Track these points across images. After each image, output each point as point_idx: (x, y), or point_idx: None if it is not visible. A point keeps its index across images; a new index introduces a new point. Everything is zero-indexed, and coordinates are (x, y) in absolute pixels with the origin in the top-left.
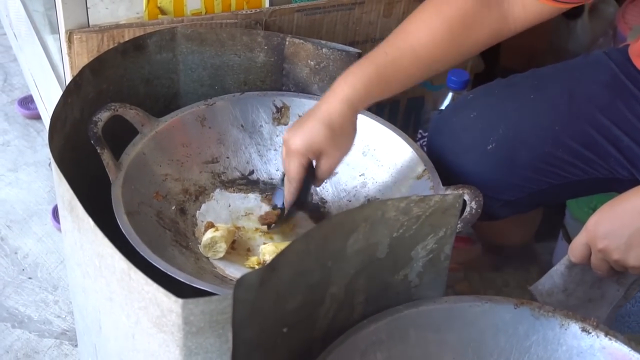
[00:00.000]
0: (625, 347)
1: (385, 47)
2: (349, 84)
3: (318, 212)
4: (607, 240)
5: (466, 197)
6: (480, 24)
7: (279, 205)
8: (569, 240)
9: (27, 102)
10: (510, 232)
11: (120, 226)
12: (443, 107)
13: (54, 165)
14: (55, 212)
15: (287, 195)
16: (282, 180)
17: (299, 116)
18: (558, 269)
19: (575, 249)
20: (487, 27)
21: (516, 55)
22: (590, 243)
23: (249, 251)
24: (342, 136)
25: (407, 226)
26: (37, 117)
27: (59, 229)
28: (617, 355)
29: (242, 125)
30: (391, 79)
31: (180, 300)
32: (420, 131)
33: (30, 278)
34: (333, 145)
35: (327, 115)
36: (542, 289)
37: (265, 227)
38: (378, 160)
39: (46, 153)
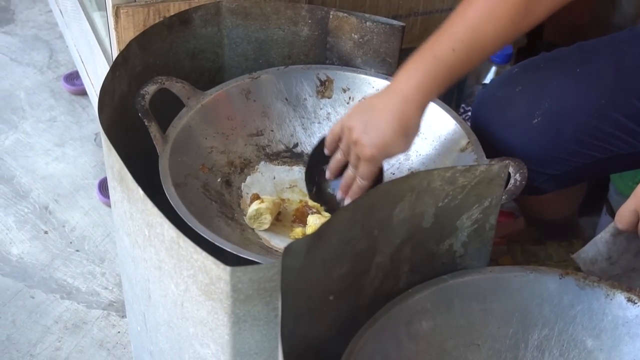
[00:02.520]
0: None
1: (451, 42)
2: (421, 90)
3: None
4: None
5: (511, 169)
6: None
7: (336, 195)
8: (612, 214)
9: (72, 78)
10: (553, 207)
11: (168, 197)
12: (486, 81)
13: (103, 136)
14: (101, 186)
15: (356, 192)
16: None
17: (343, 90)
18: (603, 237)
19: (623, 215)
20: (544, 3)
21: (560, 29)
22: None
23: (294, 222)
24: (413, 138)
25: (452, 196)
26: (83, 93)
27: (105, 203)
28: None
29: (286, 99)
30: (457, 73)
31: (228, 268)
32: (463, 105)
33: (77, 251)
34: (406, 149)
35: (402, 124)
36: (586, 257)
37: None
38: (422, 132)
39: (92, 128)
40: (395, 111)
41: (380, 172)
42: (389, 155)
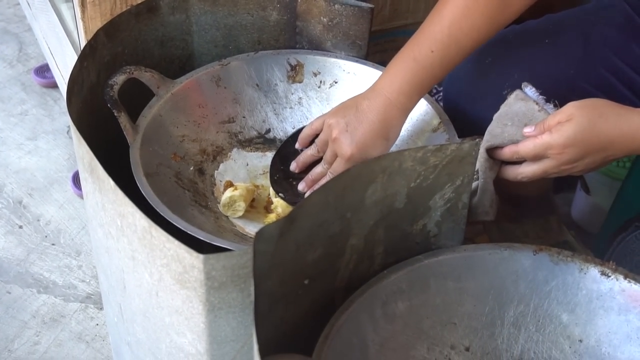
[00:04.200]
0: None
1: (429, 44)
2: (403, 93)
3: None
4: (567, 156)
5: None
6: None
7: (300, 188)
8: (587, 190)
9: (43, 70)
10: (527, 183)
11: (140, 187)
12: None
13: (72, 127)
14: (75, 179)
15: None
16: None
17: (314, 74)
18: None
19: (537, 142)
20: None
21: (531, 6)
22: (552, 151)
23: (267, 209)
24: (393, 142)
25: (424, 176)
26: (54, 86)
27: (80, 196)
28: (636, 297)
29: (257, 85)
30: (439, 75)
31: (201, 256)
32: (435, 86)
33: (53, 244)
34: (386, 152)
35: (384, 126)
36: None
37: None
38: None
39: (64, 121)
40: (378, 113)
41: None
42: (367, 156)
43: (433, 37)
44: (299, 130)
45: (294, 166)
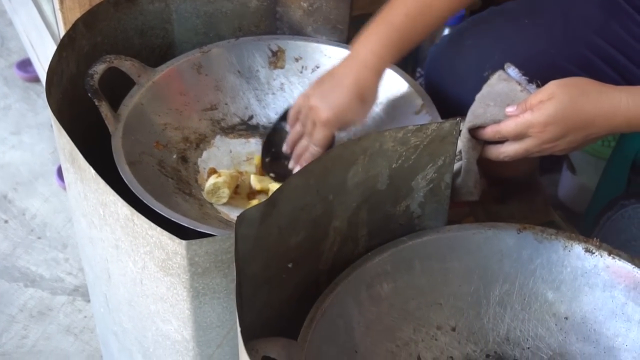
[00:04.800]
0: (629, 264)
1: (404, 7)
2: (376, 54)
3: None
4: (548, 134)
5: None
6: None
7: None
8: (573, 170)
9: (25, 65)
10: (513, 164)
11: (123, 176)
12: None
13: (53, 118)
14: (60, 172)
15: (307, 160)
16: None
17: (295, 59)
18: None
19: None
20: None
21: None
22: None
23: (249, 196)
24: (370, 105)
25: (405, 156)
26: (36, 80)
27: (65, 189)
28: (620, 273)
29: (238, 71)
30: (413, 39)
31: (184, 242)
32: (419, 69)
33: (39, 238)
34: (362, 116)
35: (358, 88)
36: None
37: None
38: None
39: (47, 115)
40: (351, 76)
41: (333, 142)
42: (345, 121)
43: (408, 1)
44: (284, 114)
45: (285, 147)
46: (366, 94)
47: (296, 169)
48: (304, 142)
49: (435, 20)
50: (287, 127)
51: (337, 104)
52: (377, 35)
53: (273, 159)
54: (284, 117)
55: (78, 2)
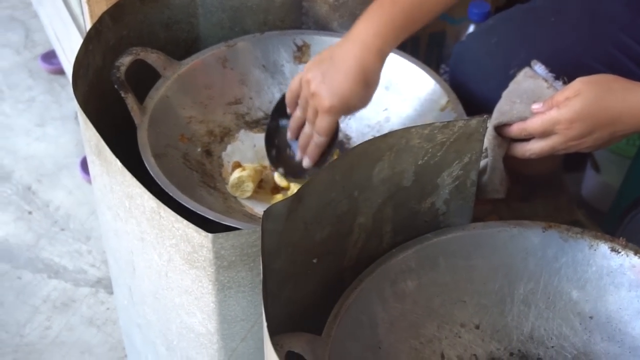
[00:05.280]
0: None
1: None
2: (380, 37)
3: (343, 148)
4: (575, 131)
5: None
6: None
7: (297, 157)
8: (597, 169)
9: (49, 57)
10: (537, 162)
11: (148, 168)
12: (464, 39)
13: (79, 111)
14: (83, 165)
15: (313, 150)
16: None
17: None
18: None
19: (545, 117)
20: None
21: None
22: (560, 126)
23: (273, 191)
24: (373, 89)
25: (431, 153)
26: (61, 72)
27: (88, 181)
28: None
29: (263, 66)
30: (417, 19)
31: (210, 235)
32: (443, 66)
33: (63, 230)
34: (366, 101)
35: (361, 71)
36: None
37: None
38: (401, 94)
39: (72, 107)
40: (354, 59)
41: (336, 129)
42: (349, 106)
43: None
44: (283, 99)
45: (289, 135)
46: (370, 78)
47: (305, 161)
48: (307, 130)
49: (441, 4)
50: (288, 111)
51: (340, 90)
52: (380, 16)
53: (278, 152)
54: (278, 106)
55: None
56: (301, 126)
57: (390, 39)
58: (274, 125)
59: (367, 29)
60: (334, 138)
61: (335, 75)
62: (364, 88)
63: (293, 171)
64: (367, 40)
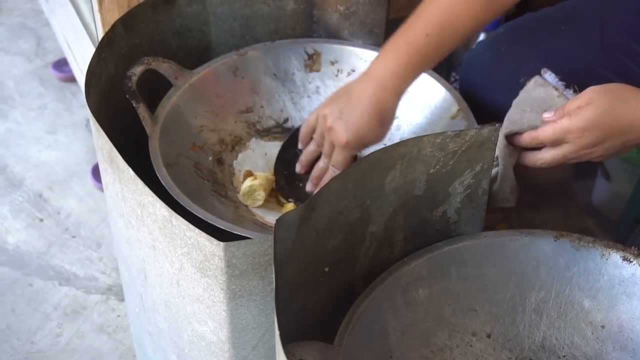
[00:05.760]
0: None
1: (424, 27)
2: (396, 76)
3: (355, 159)
4: (586, 140)
5: None
6: None
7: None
8: (607, 177)
9: (61, 65)
10: (547, 171)
11: (160, 178)
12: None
13: (91, 118)
14: (94, 172)
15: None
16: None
17: (331, 63)
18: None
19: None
20: None
21: None
22: (572, 135)
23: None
24: (389, 126)
25: (443, 162)
26: (72, 80)
27: (99, 188)
28: None
29: (274, 74)
30: (434, 58)
31: (222, 244)
32: (454, 74)
33: (74, 237)
34: (381, 137)
35: (378, 110)
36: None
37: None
38: (411, 102)
39: (83, 115)
40: (371, 97)
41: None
42: (365, 142)
43: (429, 20)
44: (297, 131)
45: (298, 168)
46: (386, 116)
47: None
48: (321, 164)
49: (455, 39)
50: (300, 145)
51: (357, 126)
52: (396, 55)
53: (288, 181)
54: (291, 139)
55: (117, 4)
56: (313, 160)
57: (407, 78)
58: (285, 156)
59: (384, 68)
60: None
61: (352, 111)
62: (380, 125)
63: (304, 201)
64: (385, 80)
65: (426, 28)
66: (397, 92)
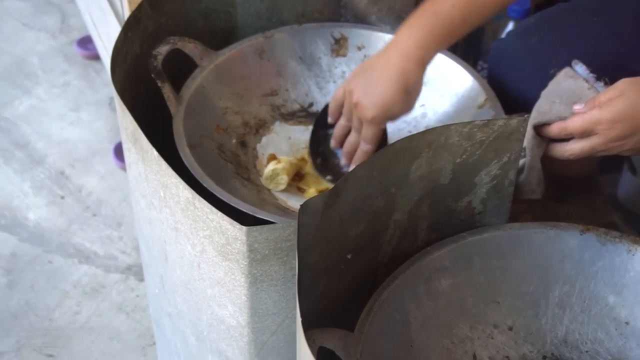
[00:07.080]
0: None
1: None
2: (421, 46)
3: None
4: (616, 132)
5: None
6: None
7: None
8: (634, 171)
9: (85, 42)
10: (574, 163)
11: (183, 158)
12: (503, 36)
13: (116, 97)
14: (116, 151)
15: (361, 158)
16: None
17: (358, 48)
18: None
19: (586, 116)
20: None
21: None
22: (601, 127)
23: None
24: (415, 97)
25: (470, 151)
26: (96, 58)
27: (121, 167)
28: None
29: (300, 58)
30: (459, 31)
31: (244, 228)
32: (481, 62)
33: (94, 215)
34: (408, 109)
35: (402, 80)
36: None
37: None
38: (439, 90)
39: (106, 93)
40: (394, 69)
41: (384, 134)
42: (391, 115)
43: None
44: (326, 110)
45: (333, 143)
46: (411, 87)
47: (351, 168)
48: (352, 138)
49: (483, 13)
50: (330, 120)
51: (382, 100)
52: (421, 25)
53: (324, 160)
54: (322, 115)
55: None
56: (345, 134)
57: (431, 49)
58: (318, 134)
59: (408, 38)
60: (382, 143)
61: (376, 85)
62: (405, 96)
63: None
64: (409, 50)
65: (454, 0)
66: (422, 62)
